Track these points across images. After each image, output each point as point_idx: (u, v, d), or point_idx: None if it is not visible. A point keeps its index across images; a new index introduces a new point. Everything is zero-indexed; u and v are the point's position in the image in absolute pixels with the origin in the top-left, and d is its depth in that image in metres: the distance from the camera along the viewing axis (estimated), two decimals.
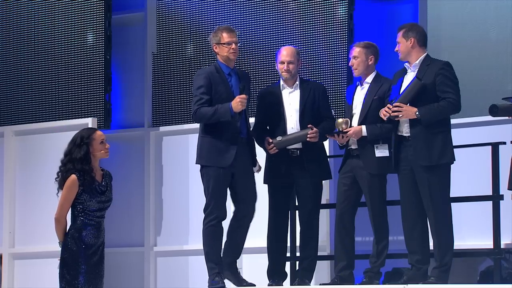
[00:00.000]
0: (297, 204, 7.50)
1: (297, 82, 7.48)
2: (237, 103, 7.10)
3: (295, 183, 7.39)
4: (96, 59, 8.85)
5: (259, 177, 7.39)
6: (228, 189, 7.25)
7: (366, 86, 7.22)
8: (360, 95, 7.23)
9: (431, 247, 6.93)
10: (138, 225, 8.93)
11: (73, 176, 6.91)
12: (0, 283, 9.08)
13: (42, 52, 9.18)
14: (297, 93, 7.45)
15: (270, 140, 7.28)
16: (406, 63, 6.94)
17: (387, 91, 7.09)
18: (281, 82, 7.47)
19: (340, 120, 7.13)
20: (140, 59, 9.05)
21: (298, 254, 7.55)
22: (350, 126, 7.10)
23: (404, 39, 6.88)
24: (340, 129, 7.10)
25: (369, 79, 7.23)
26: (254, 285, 7.21)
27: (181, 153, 8.80)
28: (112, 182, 7.20)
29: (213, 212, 7.22)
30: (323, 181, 7.55)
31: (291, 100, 7.44)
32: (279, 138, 7.23)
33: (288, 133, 7.34)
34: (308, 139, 7.23)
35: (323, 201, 7.74)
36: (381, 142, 7.06)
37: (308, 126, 7.27)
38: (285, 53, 7.42)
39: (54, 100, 9.04)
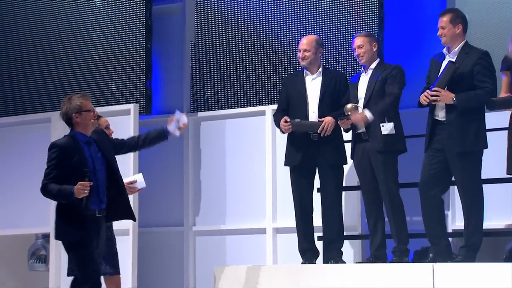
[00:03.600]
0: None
1: (320, 70, 7.52)
2: (78, 189, 6.37)
3: (316, 166, 7.43)
4: (138, 48, 8.88)
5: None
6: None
7: (369, 72, 7.29)
8: (364, 80, 7.30)
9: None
10: (178, 206, 8.97)
11: None
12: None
13: (88, 42, 9.20)
14: (319, 80, 7.49)
15: (288, 120, 7.31)
16: (445, 49, 6.91)
17: (390, 73, 7.15)
18: (305, 70, 7.54)
19: (349, 105, 7.18)
20: (179, 48, 9.05)
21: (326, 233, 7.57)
22: (358, 111, 7.15)
23: (451, 25, 6.83)
24: (349, 114, 7.16)
25: (373, 65, 7.30)
26: None
27: (218, 137, 8.87)
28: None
29: None
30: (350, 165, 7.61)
31: (313, 86, 7.49)
32: (297, 120, 7.31)
33: (310, 117, 7.40)
34: (318, 131, 7.31)
35: (354, 183, 7.82)
36: (386, 120, 7.10)
37: (323, 120, 7.30)
38: (304, 41, 7.51)
39: (99, 87, 9.08)
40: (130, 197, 7.95)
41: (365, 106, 7.17)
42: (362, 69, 7.36)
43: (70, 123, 6.78)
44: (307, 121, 7.37)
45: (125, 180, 7.11)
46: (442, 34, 6.86)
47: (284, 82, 7.73)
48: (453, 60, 6.81)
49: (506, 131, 6.88)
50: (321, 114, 7.38)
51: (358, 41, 7.31)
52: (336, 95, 7.43)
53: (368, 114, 7.11)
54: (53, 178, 6.59)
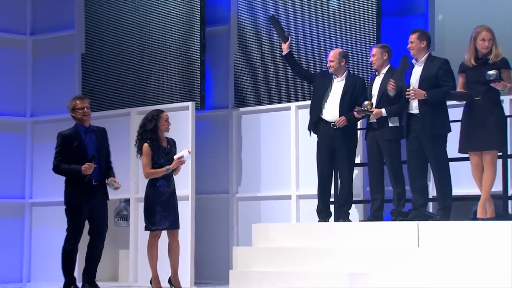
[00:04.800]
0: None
1: (345, 74, 7.42)
2: (86, 168, 6.89)
3: (335, 147, 7.36)
4: (195, 59, 8.80)
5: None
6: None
7: (382, 76, 7.18)
8: (377, 82, 7.21)
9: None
10: (225, 178, 8.91)
11: (146, 144, 7.14)
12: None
13: (158, 54, 9.06)
14: (342, 83, 7.40)
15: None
16: (414, 60, 6.88)
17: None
18: (333, 74, 7.43)
19: (366, 102, 7.08)
20: (225, 59, 8.98)
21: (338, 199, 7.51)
22: (374, 107, 7.06)
23: (418, 41, 6.83)
24: (367, 109, 7.06)
25: (384, 70, 7.18)
26: None
27: (254, 126, 8.81)
28: (176, 147, 7.30)
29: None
30: (359, 145, 7.57)
31: (337, 87, 7.42)
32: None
33: (325, 113, 7.32)
34: (336, 122, 7.27)
35: (358, 161, 7.77)
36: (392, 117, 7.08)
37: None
38: (331, 54, 7.44)
39: (165, 89, 8.99)
40: (187, 171, 8.09)
41: (377, 102, 7.07)
42: (376, 72, 7.26)
43: (73, 117, 7.11)
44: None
45: (176, 156, 7.20)
46: (411, 48, 6.87)
47: (319, 73, 7.61)
48: (421, 66, 6.79)
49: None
50: (342, 110, 7.29)
51: (373, 51, 7.24)
52: (355, 96, 7.32)
53: (383, 110, 7.04)
54: (61, 160, 7.00)
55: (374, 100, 7.15)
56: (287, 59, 7.61)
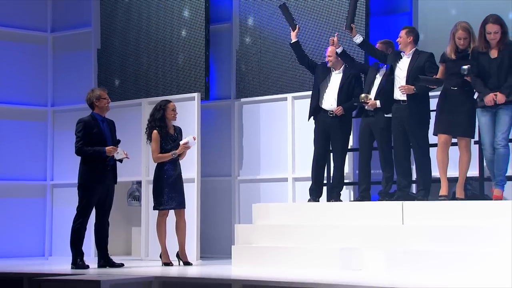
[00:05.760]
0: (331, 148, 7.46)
1: (342, 68, 7.36)
2: (110, 150, 7.01)
3: (330, 134, 7.35)
4: (200, 54, 8.73)
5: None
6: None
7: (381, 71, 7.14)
8: (373, 74, 7.19)
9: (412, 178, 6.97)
10: (227, 162, 8.87)
11: (155, 131, 7.22)
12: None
13: (167, 49, 8.95)
14: (340, 76, 7.37)
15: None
16: (402, 52, 6.91)
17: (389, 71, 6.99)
18: (331, 67, 7.39)
19: (363, 94, 7.08)
20: (228, 54, 8.92)
21: (331, 181, 7.49)
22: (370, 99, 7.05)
23: (406, 35, 6.88)
24: (363, 101, 7.07)
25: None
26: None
27: (254, 116, 8.78)
28: (182, 134, 7.36)
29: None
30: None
31: (335, 79, 7.38)
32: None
33: (324, 103, 7.29)
34: (334, 111, 7.24)
35: (350, 146, 7.69)
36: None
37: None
38: (329, 49, 7.38)
39: (174, 81, 8.89)
40: (193, 155, 8.08)
41: (376, 94, 6.99)
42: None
43: (92, 106, 7.11)
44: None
45: (182, 142, 7.27)
46: (399, 41, 6.92)
47: (320, 65, 7.49)
48: (409, 58, 6.78)
49: None
50: (339, 100, 7.26)
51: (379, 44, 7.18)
52: (351, 88, 7.30)
53: (377, 102, 7.01)
54: (83, 143, 7.01)
55: (373, 93, 7.10)
56: (294, 47, 7.52)
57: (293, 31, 7.47)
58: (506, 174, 6.35)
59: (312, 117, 7.47)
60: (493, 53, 6.26)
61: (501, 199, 6.18)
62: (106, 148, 7.00)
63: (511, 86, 6.18)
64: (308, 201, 7.42)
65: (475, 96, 6.41)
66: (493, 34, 6.19)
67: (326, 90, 7.38)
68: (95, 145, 7.04)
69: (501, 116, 6.19)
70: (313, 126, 7.54)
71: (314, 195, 7.45)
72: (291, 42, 7.54)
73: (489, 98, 6.19)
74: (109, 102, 7.20)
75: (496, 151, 6.20)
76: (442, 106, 6.56)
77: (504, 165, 6.21)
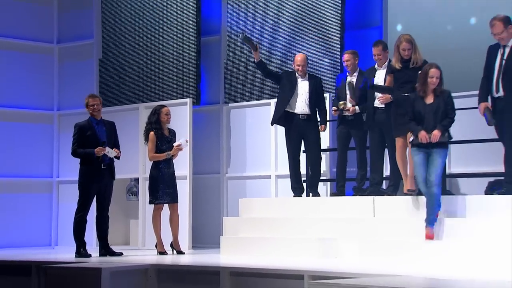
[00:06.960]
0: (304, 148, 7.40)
1: (307, 75, 7.26)
2: (98, 151, 6.96)
3: (303, 135, 7.26)
4: (191, 64, 8.72)
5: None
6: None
7: (354, 78, 7.10)
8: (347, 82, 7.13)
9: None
10: (216, 161, 8.82)
11: (152, 133, 7.19)
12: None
13: (163, 58, 8.89)
14: (306, 83, 7.23)
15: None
16: (377, 65, 6.87)
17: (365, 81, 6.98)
18: (297, 74, 7.25)
19: (341, 102, 7.02)
20: (217, 63, 8.89)
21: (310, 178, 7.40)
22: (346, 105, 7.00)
23: (383, 52, 6.81)
24: (341, 108, 6.99)
25: (355, 73, 7.09)
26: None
27: (241, 119, 8.75)
28: (175, 136, 7.33)
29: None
30: (326, 134, 7.52)
31: (302, 86, 7.23)
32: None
33: (297, 107, 7.15)
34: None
35: (325, 147, 7.69)
36: (365, 113, 7.02)
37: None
38: (299, 59, 7.21)
39: (168, 88, 8.86)
40: (186, 155, 8.02)
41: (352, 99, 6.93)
42: (348, 73, 7.07)
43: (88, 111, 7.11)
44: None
45: (175, 144, 7.24)
46: (377, 57, 6.82)
47: (283, 74, 7.35)
48: (384, 70, 6.71)
49: None
50: (310, 104, 7.15)
51: (346, 56, 7.06)
52: (318, 93, 7.22)
53: (357, 108, 6.96)
54: (77, 145, 7.04)
55: (348, 99, 7.05)
56: (258, 65, 7.40)
57: (255, 51, 7.31)
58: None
59: (278, 122, 7.32)
60: (429, 99, 5.98)
61: (432, 239, 5.84)
62: (95, 150, 6.99)
63: (446, 126, 5.93)
64: (293, 197, 7.34)
65: (410, 140, 6.13)
66: (435, 79, 5.90)
67: (296, 97, 7.22)
68: (89, 147, 7.06)
69: (435, 157, 5.86)
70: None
71: (298, 192, 7.39)
72: (255, 61, 7.38)
73: (423, 134, 5.88)
74: (95, 109, 7.11)
75: (429, 191, 5.86)
76: (397, 113, 6.43)
77: (436, 206, 5.87)
